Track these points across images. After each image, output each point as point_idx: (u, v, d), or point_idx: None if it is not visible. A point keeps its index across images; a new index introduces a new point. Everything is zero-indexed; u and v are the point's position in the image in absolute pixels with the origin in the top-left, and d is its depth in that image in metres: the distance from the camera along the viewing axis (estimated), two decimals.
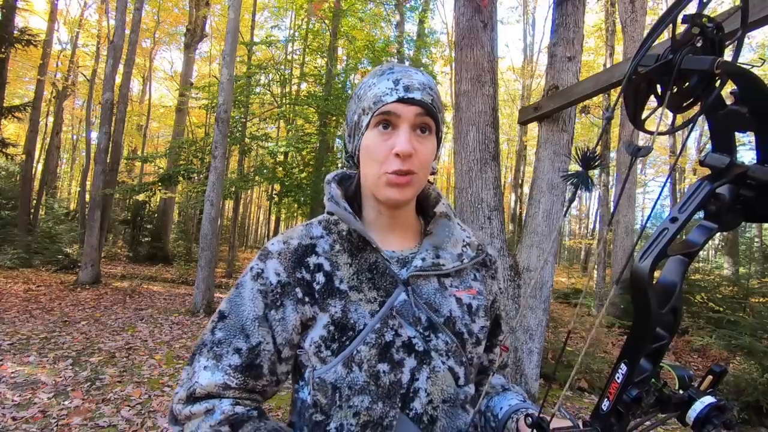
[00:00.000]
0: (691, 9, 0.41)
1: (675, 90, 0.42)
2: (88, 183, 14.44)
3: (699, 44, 0.40)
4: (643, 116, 0.46)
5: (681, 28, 0.41)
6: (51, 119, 17.12)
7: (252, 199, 29.56)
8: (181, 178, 11.57)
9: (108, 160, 9.55)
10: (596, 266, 11.88)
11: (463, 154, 2.98)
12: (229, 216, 20.86)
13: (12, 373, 3.82)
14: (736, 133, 0.42)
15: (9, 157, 11.66)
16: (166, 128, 24.13)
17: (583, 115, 11.14)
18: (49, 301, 7.04)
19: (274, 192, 13.39)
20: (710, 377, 0.44)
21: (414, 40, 14.06)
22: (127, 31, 10.25)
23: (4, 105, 10.51)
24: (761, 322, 4.90)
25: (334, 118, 11.14)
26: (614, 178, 11.52)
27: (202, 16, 14.55)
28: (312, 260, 0.73)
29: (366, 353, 0.67)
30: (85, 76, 18.39)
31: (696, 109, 0.43)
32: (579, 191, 0.42)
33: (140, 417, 3.20)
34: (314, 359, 0.69)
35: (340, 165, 11.83)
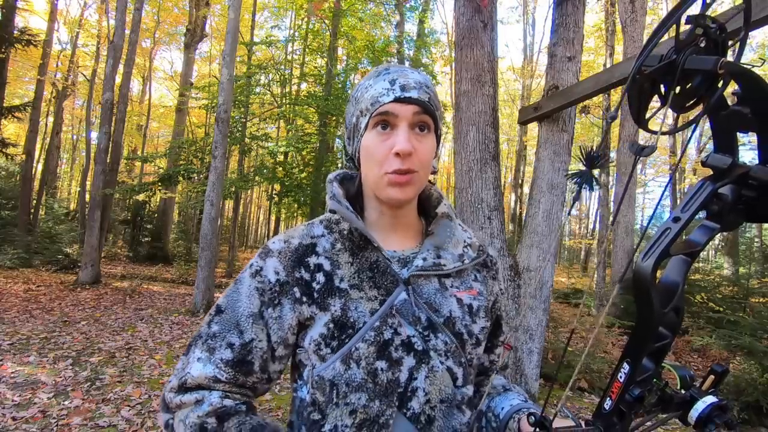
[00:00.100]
0: (690, 10, 0.41)
1: (678, 90, 0.42)
2: (88, 183, 14.44)
3: (702, 45, 0.40)
4: (647, 116, 0.47)
5: (682, 28, 0.42)
6: (51, 119, 17.12)
7: (252, 199, 29.56)
8: (181, 178, 11.57)
9: (108, 160, 9.55)
10: (596, 266, 11.89)
11: (463, 154, 2.98)
12: (229, 216, 20.86)
13: (12, 373, 3.82)
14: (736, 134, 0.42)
15: (9, 157, 11.66)
16: (166, 128, 24.12)
17: (583, 115, 11.15)
18: (49, 301, 7.04)
19: (274, 192, 13.40)
20: (712, 377, 0.44)
21: (414, 40, 14.06)
22: (127, 31, 10.25)
23: (4, 105, 10.51)
24: (761, 322, 4.90)
25: (334, 118, 11.14)
26: (614, 178, 11.52)
27: (202, 16, 14.55)
28: (312, 260, 0.73)
29: (364, 350, 0.67)
30: (85, 76, 18.39)
31: (698, 109, 0.44)
32: (583, 191, 0.43)
33: (140, 417, 3.20)
34: (314, 357, 0.69)
35: (340, 165, 11.83)
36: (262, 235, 34.77)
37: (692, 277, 7.60)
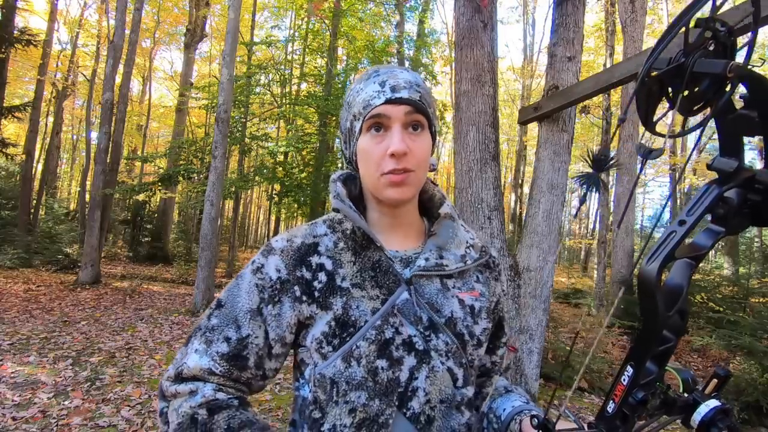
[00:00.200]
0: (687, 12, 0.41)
1: (686, 93, 0.42)
2: (88, 183, 14.44)
3: (711, 48, 0.40)
4: (654, 119, 0.46)
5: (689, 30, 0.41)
6: (51, 119, 17.12)
7: (252, 199, 29.56)
8: (181, 178, 11.56)
9: (108, 160, 9.55)
10: (597, 266, 11.89)
11: (463, 154, 2.98)
12: (229, 216, 20.86)
13: (12, 373, 3.82)
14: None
15: (9, 157, 11.66)
16: (166, 128, 24.12)
17: (583, 115, 11.15)
18: (49, 301, 7.04)
19: (274, 192, 13.39)
20: (715, 381, 0.44)
21: (414, 40, 14.06)
22: (127, 31, 10.24)
23: (4, 105, 10.51)
24: (761, 322, 4.89)
25: (334, 118, 11.13)
26: (614, 178, 11.52)
27: (202, 16, 14.55)
28: (314, 260, 0.73)
29: (365, 349, 0.68)
30: (85, 76, 18.39)
31: (704, 112, 0.43)
32: (590, 192, 0.42)
33: (140, 417, 3.20)
34: (316, 356, 0.70)
35: (340, 165, 11.83)
36: (262, 235, 34.77)
37: (692, 277, 7.57)
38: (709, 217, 0.42)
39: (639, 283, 0.40)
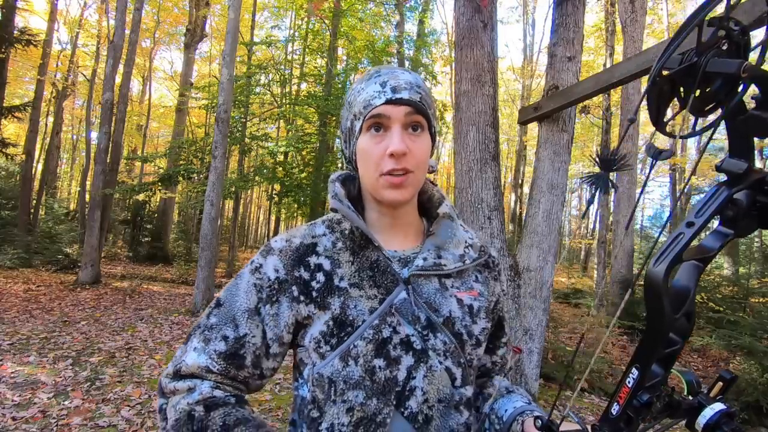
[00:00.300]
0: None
1: (698, 93, 0.41)
2: (88, 183, 14.43)
3: (725, 47, 0.40)
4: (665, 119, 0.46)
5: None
6: (51, 119, 17.10)
7: (252, 199, 29.55)
8: (181, 178, 11.56)
9: (108, 160, 9.55)
10: (597, 266, 11.89)
11: (463, 154, 2.98)
12: (229, 216, 20.85)
13: (12, 373, 3.82)
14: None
15: (9, 157, 11.65)
16: (166, 128, 24.11)
17: (583, 115, 11.14)
18: (49, 301, 7.04)
19: (274, 192, 13.39)
20: (720, 384, 0.43)
21: (414, 40, 14.05)
22: (127, 31, 10.24)
23: (4, 105, 10.50)
24: (761, 322, 4.89)
25: (334, 118, 11.13)
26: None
27: (202, 16, 14.54)
28: (313, 260, 0.74)
29: (363, 348, 0.68)
30: (85, 76, 18.38)
31: (713, 112, 0.43)
32: (597, 194, 0.42)
33: (140, 417, 3.20)
34: (314, 355, 0.70)
35: (340, 165, 11.83)
36: (262, 235, 34.77)
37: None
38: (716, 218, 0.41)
39: (646, 284, 0.39)
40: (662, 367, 0.41)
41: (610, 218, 9.74)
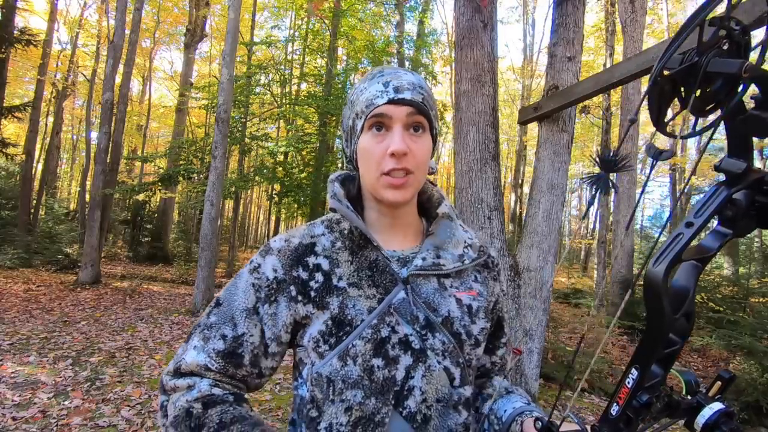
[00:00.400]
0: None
1: (699, 93, 0.41)
2: (88, 183, 14.43)
3: (725, 47, 0.40)
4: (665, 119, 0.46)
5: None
6: (51, 119, 17.10)
7: (252, 199, 29.55)
8: (181, 178, 11.56)
9: (108, 160, 9.55)
10: (597, 266, 11.88)
11: (463, 154, 2.98)
12: (229, 216, 20.85)
13: (12, 373, 3.82)
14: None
15: (9, 157, 11.65)
16: (166, 128, 24.11)
17: (583, 115, 11.14)
18: (49, 301, 7.04)
19: (274, 192, 13.38)
20: (719, 383, 0.43)
21: (414, 40, 14.05)
22: (127, 31, 10.24)
23: (4, 105, 10.50)
24: (761, 322, 4.89)
25: (334, 118, 11.13)
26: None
27: (202, 16, 14.54)
28: (311, 260, 0.74)
29: (361, 348, 0.68)
30: (85, 76, 18.37)
31: (713, 112, 0.43)
32: (598, 195, 0.42)
33: (140, 417, 3.20)
34: (313, 355, 0.71)
35: (340, 165, 11.83)
36: (262, 235, 34.76)
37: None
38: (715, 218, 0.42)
39: (645, 285, 0.39)
40: (662, 367, 0.41)
41: (610, 218, 9.74)
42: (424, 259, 0.74)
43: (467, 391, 0.75)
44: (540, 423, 0.48)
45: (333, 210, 0.75)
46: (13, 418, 3.00)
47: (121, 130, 10.63)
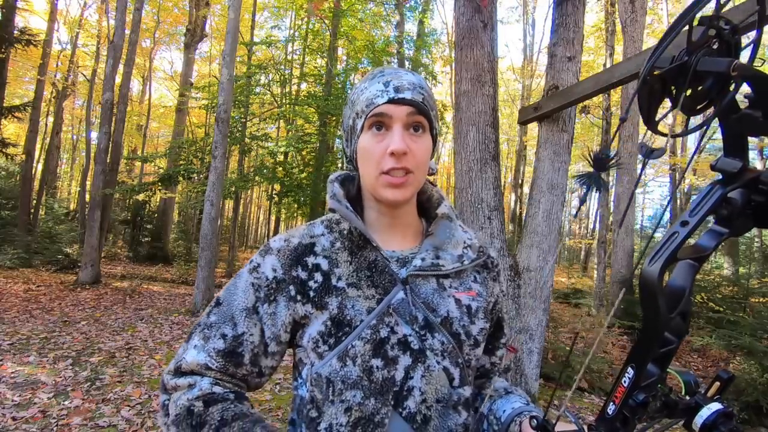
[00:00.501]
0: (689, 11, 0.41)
1: (689, 92, 0.41)
2: (88, 183, 14.43)
3: (715, 46, 0.40)
4: (656, 118, 0.46)
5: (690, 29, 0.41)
6: (51, 119, 17.11)
7: (252, 199, 29.55)
8: (181, 178, 11.56)
9: (108, 160, 9.55)
10: (597, 266, 11.89)
11: (463, 154, 2.98)
12: (229, 216, 20.85)
13: (12, 373, 3.82)
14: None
15: (9, 157, 11.66)
16: (166, 128, 24.11)
17: (583, 115, 11.14)
18: (49, 301, 7.04)
19: (274, 192, 13.39)
20: (717, 384, 0.43)
21: (414, 40, 14.06)
22: (127, 31, 10.24)
23: (4, 105, 10.51)
24: (761, 322, 4.89)
25: (334, 118, 11.13)
26: (614, 178, 11.52)
27: (202, 16, 14.54)
28: (311, 260, 0.74)
29: (360, 348, 0.68)
30: (85, 76, 18.38)
31: (705, 112, 0.43)
32: (590, 192, 0.42)
33: (140, 417, 3.20)
34: (312, 355, 0.71)
35: (340, 165, 11.83)
36: (262, 235, 34.77)
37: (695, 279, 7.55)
38: (712, 217, 0.42)
39: (640, 284, 0.39)
40: (658, 366, 0.41)
41: (610, 218, 9.73)
42: (423, 259, 0.74)
43: (467, 391, 0.75)
44: (535, 421, 0.48)
45: (332, 210, 0.75)
46: (13, 418, 3.00)
47: (121, 130, 10.63)
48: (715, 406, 0.41)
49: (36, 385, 3.59)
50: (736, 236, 0.42)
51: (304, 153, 11.82)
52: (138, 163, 17.78)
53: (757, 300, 6.66)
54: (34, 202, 14.08)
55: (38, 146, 15.98)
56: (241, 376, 0.73)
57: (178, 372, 0.72)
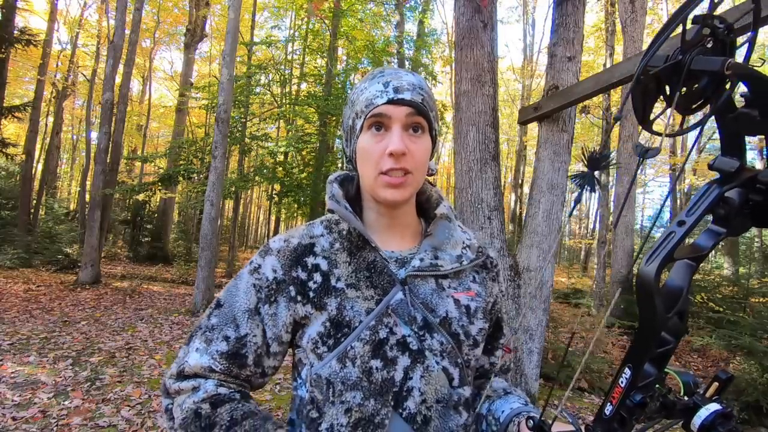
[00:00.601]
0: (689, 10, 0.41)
1: (684, 91, 0.41)
2: (88, 183, 14.43)
3: (709, 45, 0.40)
4: (651, 117, 0.46)
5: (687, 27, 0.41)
6: (51, 119, 17.11)
7: (252, 199, 29.54)
8: (181, 178, 11.56)
9: (108, 160, 9.55)
10: (597, 266, 11.88)
11: (463, 154, 2.98)
12: (229, 216, 20.85)
13: (12, 373, 3.82)
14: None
15: (9, 157, 11.66)
16: (166, 128, 24.11)
17: (583, 115, 11.14)
18: (49, 301, 7.04)
19: (274, 192, 13.38)
20: (716, 384, 0.43)
21: (414, 40, 14.06)
22: (127, 31, 10.24)
23: (4, 105, 10.51)
24: (761, 322, 4.89)
25: (334, 118, 11.13)
26: (614, 178, 11.51)
27: (202, 16, 14.54)
28: (310, 260, 0.74)
29: (360, 349, 0.68)
30: (85, 76, 18.38)
31: (703, 111, 0.43)
32: (585, 192, 0.42)
33: (140, 417, 3.20)
34: (312, 356, 0.71)
35: (340, 165, 11.83)
36: (262, 235, 34.77)
37: (693, 278, 7.55)
38: (710, 217, 0.41)
39: (637, 283, 0.39)
40: (655, 366, 0.41)
41: (610, 218, 9.73)
42: (422, 259, 0.74)
43: (466, 391, 0.75)
44: (532, 421, 0.48)
45: (331, 211, 0.75)
46: (13, 418, 3.00)
47: (121, 130, 10.63)
48: (714, 407, 0.41)
49: (36, 385, 3.59)
50: (734, 236, 0.42)
51: (304, 153, 11.82)
52: (138, 163, 17.78)
53: (757, 300, 6.65)
54: (34, 202, 14.08)
55: (38, 146, 15.98)
56: (245, 377, 0.73)
57: (181, 375, 0.71)
